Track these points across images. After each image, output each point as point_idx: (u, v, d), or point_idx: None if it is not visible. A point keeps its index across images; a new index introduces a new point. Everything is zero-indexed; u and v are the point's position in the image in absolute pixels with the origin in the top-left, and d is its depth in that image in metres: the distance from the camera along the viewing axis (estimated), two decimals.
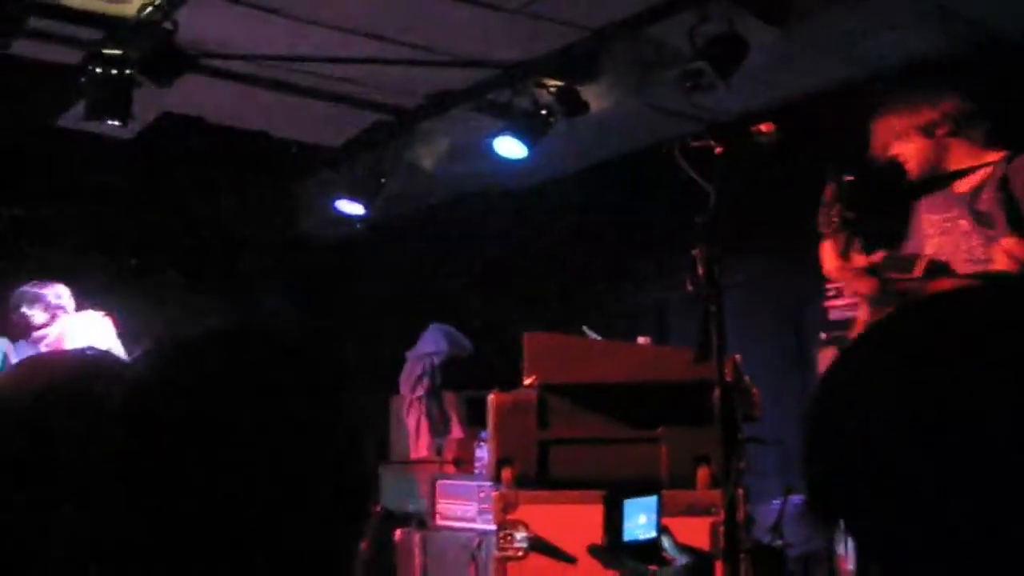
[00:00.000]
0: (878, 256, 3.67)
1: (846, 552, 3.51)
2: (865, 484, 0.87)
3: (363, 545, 1.17)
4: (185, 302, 7.92)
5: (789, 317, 6.15)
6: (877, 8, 4.96)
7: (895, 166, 3.81)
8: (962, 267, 3.63)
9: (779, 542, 4.87)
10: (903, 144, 3.78)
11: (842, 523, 0.89)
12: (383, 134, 7.40)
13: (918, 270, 3.59)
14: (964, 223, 3.69)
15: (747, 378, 3.71)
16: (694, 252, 3.18)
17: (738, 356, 3.60)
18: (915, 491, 0.83)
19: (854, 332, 3.77)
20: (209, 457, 1.04)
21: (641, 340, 4.28)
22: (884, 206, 3.89)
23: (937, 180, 3.77)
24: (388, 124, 7.33)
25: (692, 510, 3.59)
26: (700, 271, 3.16)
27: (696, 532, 3.55)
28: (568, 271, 7.65)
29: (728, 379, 3.15)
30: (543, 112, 6.26)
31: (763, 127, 3.53)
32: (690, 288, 3.20)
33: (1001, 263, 3.48)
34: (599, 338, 4.21)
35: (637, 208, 7.19)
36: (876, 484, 0.86)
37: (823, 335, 5.00)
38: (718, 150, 3.35)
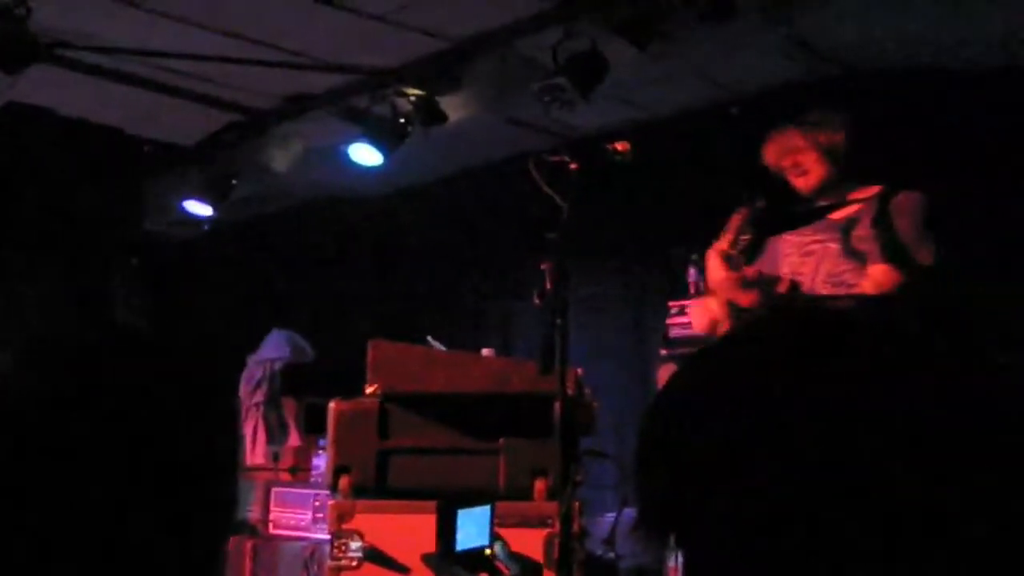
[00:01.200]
0: (751, 271, 3.70)
1: (677, 566, 3.54)
2: (696, 499, 0.86)
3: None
4: (28, 293, 7.65)
5: (631, 333, 6.23)
6: (736, 34, 5.06)
7: (793, 191, 3.86)
8: (821, 289, 3.69)
9: (612, 555, 4.91)
10: (804, 159, 3.83)
11: (672, 537, 0.89)
12: (237, 135, 7.27)
13: (782, 287, 3.65)
14: (834, 247, 3.74)
15: (588, 392, 3.73)
16: (543, 266, 3.18)
17: (580, 370, 3.62)
18: (746, 507, 0.82)
19: None
20: (81, 464, 0.99)
21: (485, 352, 4.27)
22: (777, 229, 3.96)
23: (822, 209, 3.83)
24: (243, 125, 7.21)
25: (528, 521, 3.59)
26: (548, 285, 3.16)
27: (531, 543, 3.55)
28: (416, 280, 7.62)
29: (569, 393, 3.15)
30: (401, 121, 6.22)
31: (619, 145, 3.56)
32: (537, 301, 3.19)
33: (867, 289, 3.57)
34: (443, 348, 4.19)
35: (488, 220, 7.21)
36: (707, 499, 0.85)
37: (663, 351, 5.08)
38: (573, 166, 3.36)
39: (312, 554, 5.32)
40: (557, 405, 3.06)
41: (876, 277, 3.59)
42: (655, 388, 3.74)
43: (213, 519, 1.07)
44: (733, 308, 3.71)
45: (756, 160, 3.96)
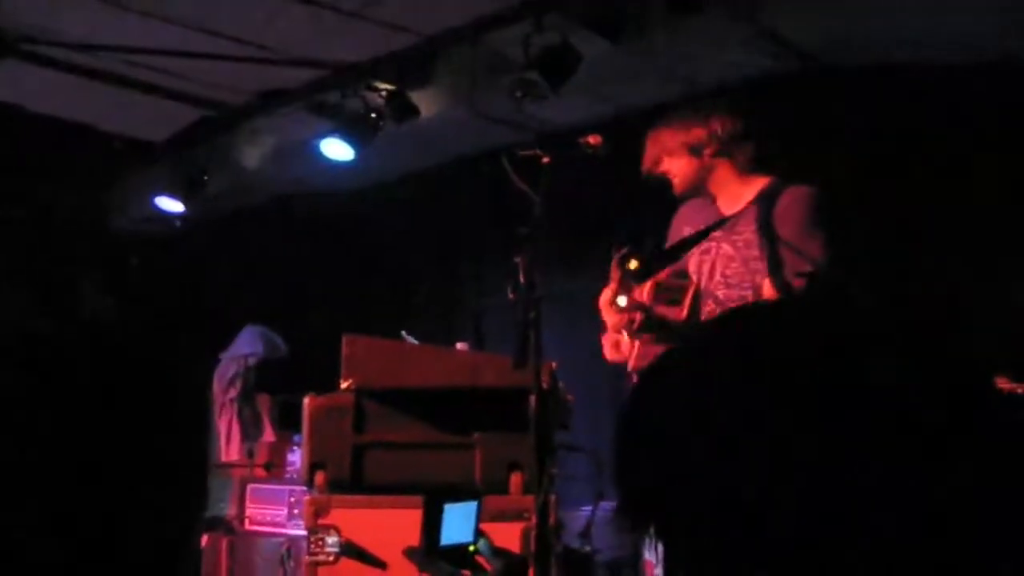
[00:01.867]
0: (647, 288, 3.60)
1: (654, 558, 3.56)
2: (674, 492, 0.87)
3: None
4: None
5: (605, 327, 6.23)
6: (706, 29, 5.08)
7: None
8: (720, 290, 3.66)
9: (588, 548, 4.94)
10: (672, 161, 3.77)
11: (651, 529, 0.90)
12: (208, 131, 7.24)
13: (685, 307, 3.57)
14: (726, 248, 3.69)
15: (562, 385, 3.73)
16: (516, 260, 3.19)
17: (554, 364, 3.63)
18: (722, 499, 0.83)
19: (630, 364, 3.72)
20: (60, 457, 0.99)
21: (459, 346, 4.28)
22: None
23: (712, 228, 3.73)
24: (214, 120, 7.18)
25: (505, 515, 3.61)
26: (521, 279, 3.17)
27: (508, 537, 3.56)
28: (389, 275, 7.62)
29: (544, 386, 3.16)
30: (372, 115, 6.21)
31: (591, 139, 3.56)
32: (511, 296, 3.20)
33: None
34: (417, 343, 4.19)
35: (461, 214, 7.21)
36: (684, 492, 0.86)
37: None
38: (545, 160, 3.36)
39: (288, 550, 5.32)
40: (532, 399, 3.06)
41: (767, 294, 3.50)
42: (629, 382, 3.74)
43: (185, 512, 1.07)
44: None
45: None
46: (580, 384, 3.74)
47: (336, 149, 6.51)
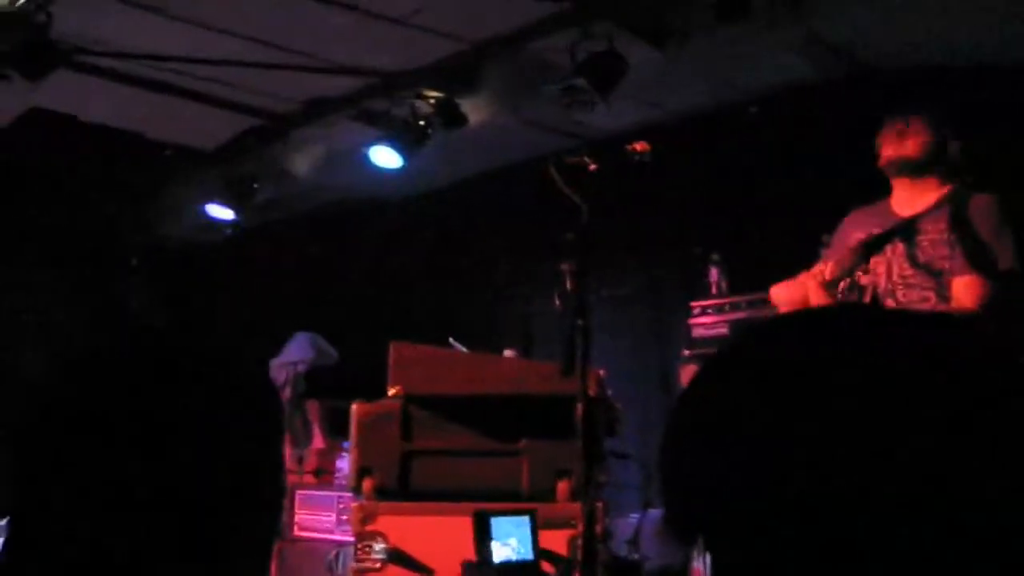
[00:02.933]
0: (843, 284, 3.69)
1: (703, 567, 3.54)
2: (724, 502, 0.86)
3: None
4: (53, 301, 7.70)
5: (654, 334, 6.22)
6: (752, 35, 5.05)
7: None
8: (899, 290, 3.66)
9: (636, 556, 4.91)
10: (913, 127, 3.79)
11: (700, 539, 0.89)
12: (258, 139, 7.29)
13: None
14: (902, 247, 3.70)
15: (610, 393, 3.72)
16: (563, 267, 3.18)
17: (602, 371, 3.62)
18: (773, 511, 0.83)
19: None
20: (145, 460, 1.00)
21: (507, 353, 4.28)
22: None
23: (895, 231, 3.76)
24: (263, 129, 7.23)
25: (552, 523, 3.60)
26: (568, 286, 3.16)
27: (555, 544, 3.56)
28: (437, 282, 7.63)
29: (591, 393, 3.15)
30: (420, 123, 6.23)
31: (638, 145, 3.55)
32: (558, 303, 3.19)
33: (960, 301, 3.52)
34: (465, 350, 4.19)
35: (508, 221, 7.21)
36: (734, 503, 0.85)
37: (686, 352, 5.06)
38: (592, 167, 3.36)
39: (336, 556, 5.34)
40: (579, 406, 3.06)
41: (968, 285, 3.53)
42: (678, 388, 3.72)
43: (266, 518, 1.08)
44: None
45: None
46: (629, 391, 3.73)
47: (384, 157, 6.54)
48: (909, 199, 3.77)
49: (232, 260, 8.48)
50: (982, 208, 3.62)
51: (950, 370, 0.84)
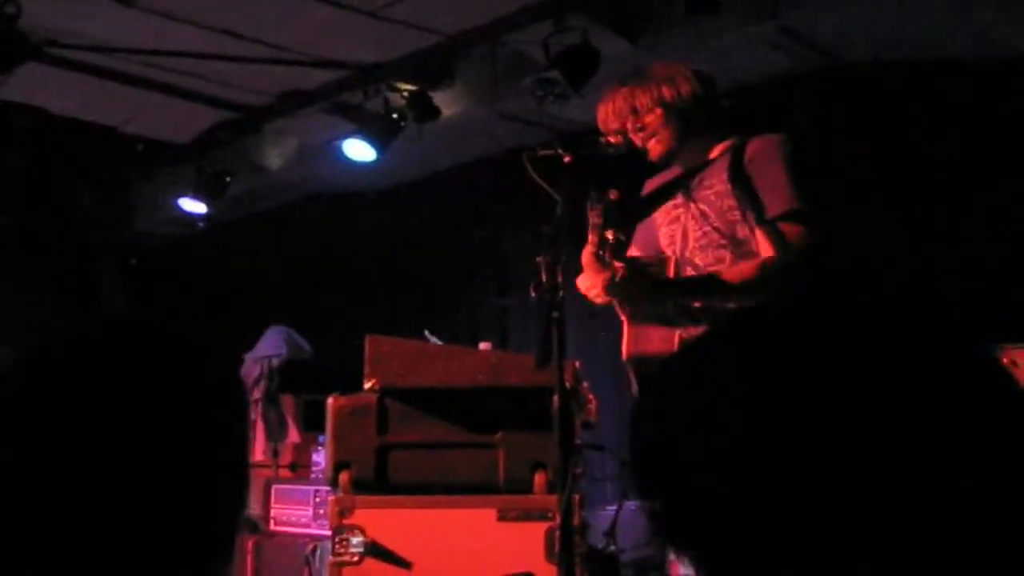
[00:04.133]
0: (609, 233, 3.38)
1: (679, 559, 3.54)
2: (698, 508, 0.86)
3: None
4: (21, 296, 7.65)
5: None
6: (726, 28, 5.07)
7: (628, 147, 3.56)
8: (696, 255, 3.52)
9: (613, 548, 4.92)
10: (648, 117, 3.57)
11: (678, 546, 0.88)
12: (231, 132, 7.27)
13: (669, 269, 3.48)
14: (698, 206, 3.55)
15: (586, 385, 3.72)
16: (539, 259, 3.18)
17: (578, 363, 3.62)
18: (750, 514, 0.82)
19: (624, 350, 3.55)
20: (105, 456, 0.99)
21: (483, 346, 4.27)
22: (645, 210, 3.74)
23: (676, 183, 3.61)
24: (237, 122, 7.21)
25: (529, 515, 3.61)
26: (544, 278, 3.16)
27: (532, 537, 3.57)
28: (412, 275, 7.63)
29: (567, 385, 3.15)
30: (394, 116, 6.22)
31: (612, 138, 3.55)
32: (533, 295, 3.19)
33: (765, 251, 3.39)
34: (440, 343, 4.19)
35: (484, 214, 7.22)
36: (709, 508, 0.85)
37: None
38: (567, 159, 3.35)
39: (314, 550, 5.33)
40: (555, 398, 3.06)
41: (763, 240, 3.39)
42: (627, 370, 3.67)
43: (227, 507, 1.07)
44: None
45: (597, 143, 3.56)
46: (605, 383, 3.73)
47: (358, 149, 6.53)
48: (696, 158, 3.63)
49: (205, 254, 8.45)
50: (758, 150, 3.48)
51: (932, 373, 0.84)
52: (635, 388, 3.62)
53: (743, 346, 0.89)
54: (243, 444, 1.12)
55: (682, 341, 3.42)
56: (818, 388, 0.82)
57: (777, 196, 3.38)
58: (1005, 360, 3.80)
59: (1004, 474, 0.80)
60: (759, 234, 3.41)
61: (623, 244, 3.35)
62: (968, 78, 5.23)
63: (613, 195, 3.35)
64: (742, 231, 3.46)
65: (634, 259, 3.50)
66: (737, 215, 3.46)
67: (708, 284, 3.42)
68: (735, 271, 3.41)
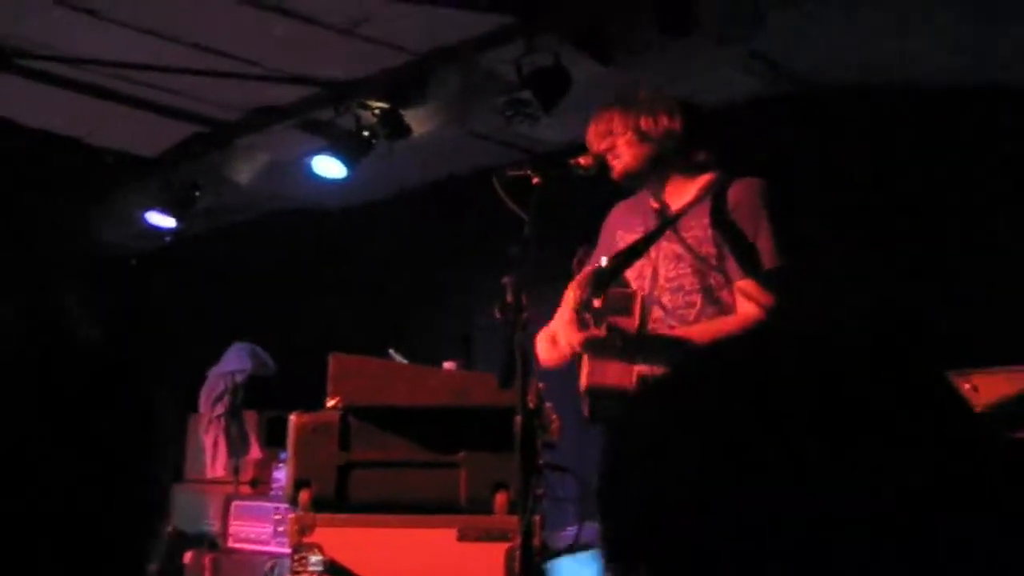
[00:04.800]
0: (596, 302, 3.34)
1: None
2: (661, 534, 0.86)
3: (152, 567, 1.10)
4: None
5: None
6: (696, 51, 5.09)
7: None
8: (665, 295, 3.53)
9: None
10: (621, 143, 3.58)
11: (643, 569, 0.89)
12: (200, 147, 7.24)
13: (635, 316, 3.40)
14: (673, 246, 3.54)
15: (549, 405, 3.71)
16: (504, 280, 3.17)
17: (541, 384, 3.61)
18: (711, 540, 0.83)
19: (582, 381, 3.56)
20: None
21: (447, 365, 4.26)
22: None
23: (663, 225, 3.55)
24: (206, 137, 7.18)
25: (489, 535, 3.59)
26: (509, 299, 3.15)
27: (492, 558, 3.55)
28: (378, 293, 7.61)
29: (530, 406, 3.14)
30: (365, 133, 6.21)
31: (582, 159, 3.56)
32: (498, 315, 3.18)
33: (745, 308, 3.41)
34: (405, 361, 4.18)
35: (450, 234, 7.21)
36: (672, 534, 0.85)
37: None
38: (535, 180, 3.35)
39: (272, 568, 5.30)
40: (518, 418, 3.05)
41: (747, 292, 3.40)
42: (583, 400, 3.68)
43: (134, 534, 1.04)
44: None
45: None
46: (568, 405, 3.72)
47: (328, 166, 6.52)
48: (678, 191, 3.62)
49: (170, 269, 8.41)
50: (741, 197, 3.48)
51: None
52: (586, 413, 3.64)
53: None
54: (153, 466, 1.08)
55: (640, 376, 3.44)
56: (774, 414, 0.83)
57: (760, 252, 3.41)
58: (967, 385, 3.84)
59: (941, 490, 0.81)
60: (739, 288, 3.44)
61: (606, 312, 3.33)
62: (942, 103, 5.29)
63: (605, 263, 3.37)
64: (715, 278, 3.49)
65: (608, 293, 3.38)
66: (713, 263, 3.48)
67: (681, 345, 3.41)
68: (712, 330, 3.41)
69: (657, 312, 3.54)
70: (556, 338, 3.54)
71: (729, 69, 5.40)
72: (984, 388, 3.88)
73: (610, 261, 3.43)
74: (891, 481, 0.80)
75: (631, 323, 3.39)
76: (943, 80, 5.32)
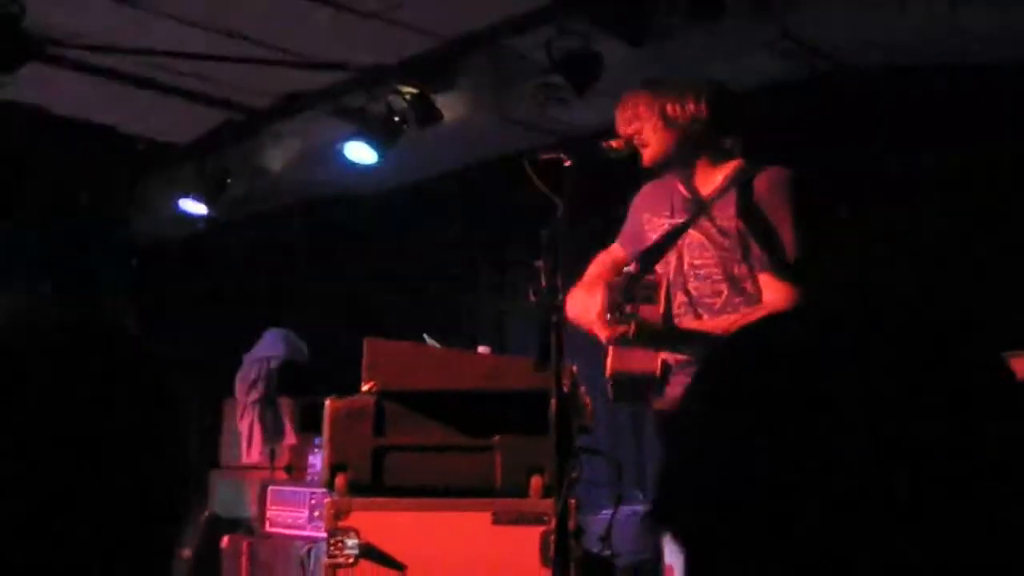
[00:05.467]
0: (621, 283, 3.37)
1: (676, 563, 3.52)
2: (721, 503, 0.86)
3: (188, 553, 1.10)
4: (21, 292, 7.62)
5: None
6: (727, 32, 5.07)
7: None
8: (691, 281, 3.53)
9: (608, 552, 4.91)
10: (649, 129, 3.54)
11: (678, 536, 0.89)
12: (232, 134, 7.27)
13: (660, 303, 3.36)
14: (697, 234, 3.53)
15: (583, 389, 3.71)
16: (538, 263, 3.17)
17: (575, 367, 3.61)
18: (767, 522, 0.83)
19: (608, 367, 3.53)
20: (27, 455, 0.96)
21: (481, 349, 4.27)
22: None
23: (694, 215, 3.53)
24: (238, 124, 7.21)
25: (524, 519, 3.59)
26: (543, 283, 3.15)
27: (527, 541, 3.55)
28: (412, 278, 7.62)
29: (564, 389, 3.14)
30: (396, 119, 6.22)
31: (614, 143, 3.55)
32: (532, 299, 3.18)
33: (771, 299, 3.39)
34: (439, 346, 4.18)
35: (483, 218, 7.21)
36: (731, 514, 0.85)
37: None
38: (567, 163, 3.34)
39: (309, 552, 5.32)
40: (552, 402, 3.05)
41: (769, 285, 3.40)
42: (609, 385, 3.67)
43: (157, 516, 1.03)
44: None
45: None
46: (602, 387, 3.72)
47: (359, 152, 6.53)
48: (705, 179, 3.59)
49: (204, 255, 8.44)
50: (767, 188, 3.45)
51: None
52: (611, 396, 3.64)
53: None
54: (175, 453, 1.08)
55: (663, 363, 3.47)
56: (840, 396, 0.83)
57: (787, 244, 3.39)
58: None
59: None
60: (765, 279, 3.42)
61: (634, 315, 3.31)
62: (967, 84, 5.24)
63: (633, 268, 3.36)
64: (739, 269, 3.47)
65: (641, 319, 3.34)
66: (738, 254, 3.47)
67: (709, 338, 3.41)
68: (736, 321, 3.38)
69: (680, 297, 3.54)
70: (588, 306, 3.51)
71: (761, 50, 5.36)
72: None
73: (638, 265, 3.45)
74: (954, 461, 0.80)
75: (656, 310, 3.38)
76: (975, 61, 5.26)
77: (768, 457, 0.83)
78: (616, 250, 3.85)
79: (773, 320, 0.99)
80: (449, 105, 6.09)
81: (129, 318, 7.72)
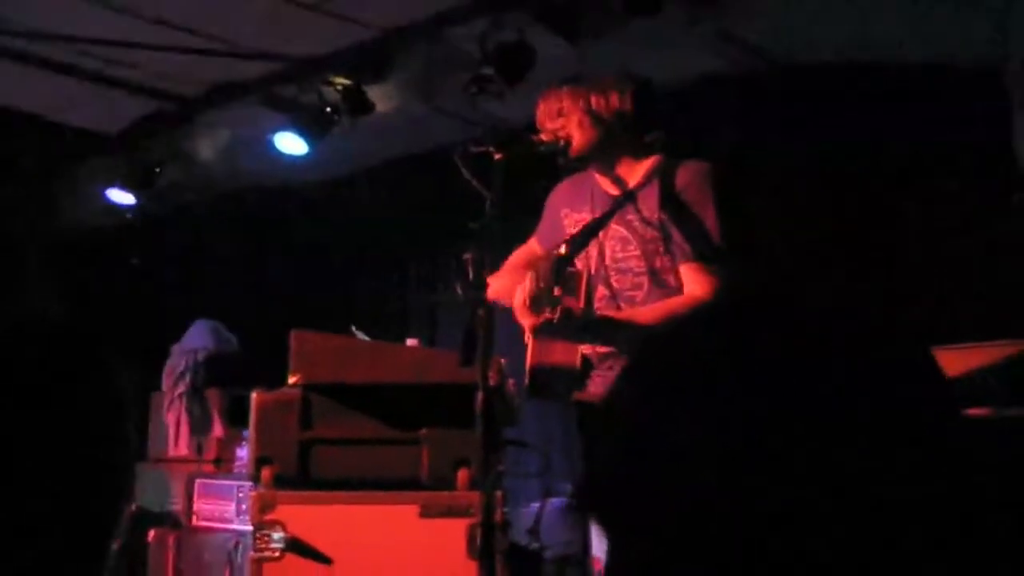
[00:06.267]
0: (548, 266, 3.29)
1: (600, 555, 3.53)
2: (643, 490, 0.86)
3: (115, 545, 1.08)
4: None
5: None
6: (663, 30, 5.09)
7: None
8: (612, 275, 3.53)
9: (536, 545, 4.93)
10: (572, 124, 3.52)
11: (601, 522, 0.89)
12: (162, 123, 7.18)
13: (580, 296, 3.39)
14: (619, 228, 3.52)
15: (512, 382, 3.71)
16: (466, 256, 3.16)
17: (503, 360, 3.60)
18: (689, 509, 0.83)
19: (528, 359, 3.54)
20: None
21: (410, 342, 4.26)
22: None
23: (616, 206, 3.51)
24: (168, 113, 7.12)
25: (451, 511, 3.59)
26: (471, 275, 3.14)
27: (454, 534, 3.55)
28: (341, 270, 7.58)
29: (492, 383, 3.13)
30: (327, 110, 6.18)
31: (544, 135, 3.54)
32: (459, 291, 3.17)
33: (692, 290, 3.39)
34: (367, 339, 4.17)
35: (413, 210, 7.19)
36: (655, 492, 0.85)
37: None
38: (497, 156, 3.33)
39: (236, 545, 5.29)
40: (479, 395, 3.04)
41: (688, 276, 3.40)
42: (527, 378, 3.67)
43: (99, 509, 1.03)
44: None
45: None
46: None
47: (290, 143, 6.48)
48: (627, 172, 3.59)
49: (131, 246, 8.35)
50: (689, 180, 3.45)
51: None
52: (527, 388, 3.63)
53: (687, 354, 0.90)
54: (119, 450, 1.07)
55: (583, 356, 3.50)
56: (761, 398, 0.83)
57: (708, 234, 3.39)
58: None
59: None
60: (687, 269, 3.42)
61: (560, 299, 3.30)
62: (909, 81, 5.31)
63: (563, 250, 3.34)
64: (661, 261, 3.47)
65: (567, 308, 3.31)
66: (660, 246, 3.46)
67: (634, 327, 3.41)
68: (660, 311, 3.40)
69: (602, 291, 3.54)
70: (511, 291, 3.48)
71: (696, 47, 5.39)
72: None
73: (567, 248, 3.40)
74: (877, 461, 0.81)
75: (576, 303, 3.38)
76: (911, 57, 5.33)
77: (696, 448, 0.83)
78: (534, 245, 3.85)
79: (705, 311, 1.00)
80: (382, 96, 6.06)
81: (58, 309, 7.61)
